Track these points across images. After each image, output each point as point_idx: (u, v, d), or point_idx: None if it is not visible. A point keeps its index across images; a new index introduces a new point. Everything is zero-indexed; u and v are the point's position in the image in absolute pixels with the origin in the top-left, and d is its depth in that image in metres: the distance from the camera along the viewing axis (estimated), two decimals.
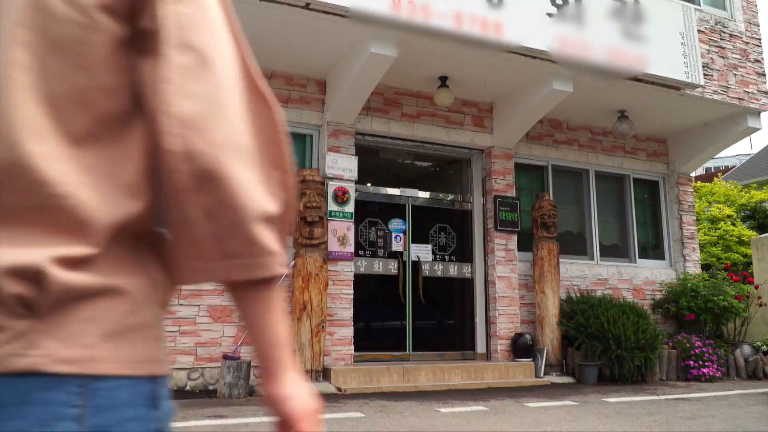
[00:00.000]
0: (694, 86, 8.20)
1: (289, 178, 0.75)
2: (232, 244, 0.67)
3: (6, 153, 0.62)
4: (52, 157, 0.63)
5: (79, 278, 0.62)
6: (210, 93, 0.68)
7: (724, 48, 9.04)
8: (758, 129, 9.24)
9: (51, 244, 0.62)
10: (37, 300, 0.60)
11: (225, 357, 6.33)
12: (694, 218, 10.21)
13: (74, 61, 0.65)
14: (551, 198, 9.04)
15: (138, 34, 0.68)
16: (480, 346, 8.43)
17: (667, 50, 7.94)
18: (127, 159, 0.68)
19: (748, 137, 10.27)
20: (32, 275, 0.60)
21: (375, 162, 8.62)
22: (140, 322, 0.66)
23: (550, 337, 8.20)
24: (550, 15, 7.14)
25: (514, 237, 8.58)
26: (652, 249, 10.07)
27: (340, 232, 7.38)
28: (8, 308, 0.59)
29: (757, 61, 9.32)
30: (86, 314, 0.62)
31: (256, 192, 0.69)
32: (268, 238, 0.69)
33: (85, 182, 0.64)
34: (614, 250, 9.71)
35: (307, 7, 6.08)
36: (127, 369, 0.64)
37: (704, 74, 8.48)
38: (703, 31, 8.84)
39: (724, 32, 9.12)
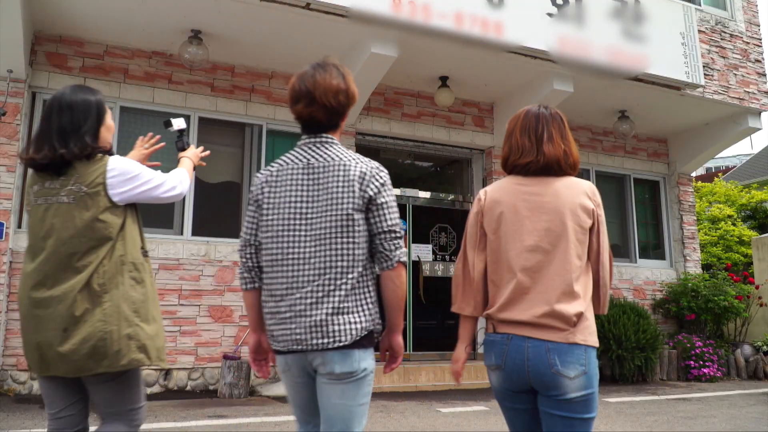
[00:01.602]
0: (694, 86, 8.20)
1: (609, 279, 2.13)
2: (604, 300, 2.14)
3: (567, 276, 1.99)
4: (577, 278, 2.01)
5: (580, 313, 1.99)
6: (608, 258, 2.12)
7: (724, 48, 9.04)
8: (759, 129, 9.24)
9: (578, 304, 1.98)
10: (576, 322, 1.96)
11: (225, 357, 6.33)
12: (695, 218, 10.20)
13: (584, 245, 2.04)
14: None
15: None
16: (481, 346, 8.43)
17: (667, 50, 7.94)
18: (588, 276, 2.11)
19: (748, 137, 10.25)
20: (579, 314, 1.97)
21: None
22: (592, 325, 2.02)
23: None
24: (550, 15, 7.14)
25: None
26: (653, 249, 10.07)
27: None
28: (570, 324, 1.95)
29: (757, 61, 9.31)
30: (582, 326, 1.97)
31: (608, 288, 2.16)
32: (607, 300, 2.16)
33: (582, 288, 2.03)
34: (615, 250, 9.70)
35: (307, 7, 6.08)
36: (595, 343, 1.99)
37: (705, 74, 8.48)
38: (704, 31, 8.84)
39: (725, 32, 9.12)
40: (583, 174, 9.69)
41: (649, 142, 10.21)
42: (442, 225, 8.67)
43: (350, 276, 1.91)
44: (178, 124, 2.63)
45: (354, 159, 2.02)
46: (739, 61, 9.09)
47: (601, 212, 2.11)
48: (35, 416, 4.92)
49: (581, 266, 2.03)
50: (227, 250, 6.92)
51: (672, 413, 5.74)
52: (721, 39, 9.05)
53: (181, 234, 6.87)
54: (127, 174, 2.17)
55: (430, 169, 9.64)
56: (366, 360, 1.95)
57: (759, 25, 9.58)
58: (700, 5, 8.97)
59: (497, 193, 2.13)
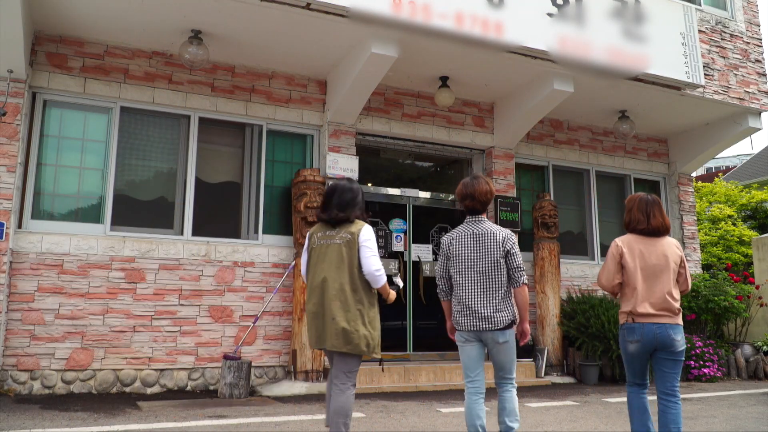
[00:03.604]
0: (694, 86, 8.20)
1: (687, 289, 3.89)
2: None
3: (669, 288, 3.74)
4: (674, 288, 3.76)
5: (678, 308, 3.73)
6: (689, 281, 3.86)
7: (724, 48, 9.04)
8: (759, 129, 9.24)
9: (677, 303, 3.72)
10: (677, 312, 3.72)
11: (226, 357, 6.33)
12: (695, 218, 10.20)
13: (676, 273, 3.78)
14: (552, 198, 9.03)
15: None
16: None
17: (667, 50, 7.94)
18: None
19: (748, 137, 10.25)
20: (678, 309, 3.73)
21: (376, 162, 8.62)
22: (681, 313, 3.77)
23: (550, 337, 8.20)
24: (550, 15, 7.14)
25: (515, 237, 8.56)
26: None
27: None
28: (675, 314, 3.72)
29: (757, 61, 9.31)
30: (680, 315, 3.74)
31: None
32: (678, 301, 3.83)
33: (677, 294, 3.79)
34: None
35: (307, 7, 6.08)
36: (682, 323, 3.81)
37: (705, 74, 8.48)
38: (704, 31, 8.84)
39: (725, 32, 9.12)
40: (584, 174, 9.72)
41: (649, 142, 10.21)
42: (442, 225, 8.67)
43: (500, 292, 3.63)
44: (398, 282, 4.05)
45: (498, 229, 3.74)
46: (739, 61, 9.09)
47: (684, 256, 3.80)
48: (35, 416, 4.92)
49: (675, 284, 3.73)
50: (227, 250, 6.92)
51: None
52: (722, 39, 9.05)
53: (182, 234, 6.87)
54: (368, 236, 3.67)
55: (430, 169, 9.64)
56: (512, 335, 3.64)
57: (759, 25, 9.57)
58: (700, 5, 8.97)
59: (629, 243, 3.78)
